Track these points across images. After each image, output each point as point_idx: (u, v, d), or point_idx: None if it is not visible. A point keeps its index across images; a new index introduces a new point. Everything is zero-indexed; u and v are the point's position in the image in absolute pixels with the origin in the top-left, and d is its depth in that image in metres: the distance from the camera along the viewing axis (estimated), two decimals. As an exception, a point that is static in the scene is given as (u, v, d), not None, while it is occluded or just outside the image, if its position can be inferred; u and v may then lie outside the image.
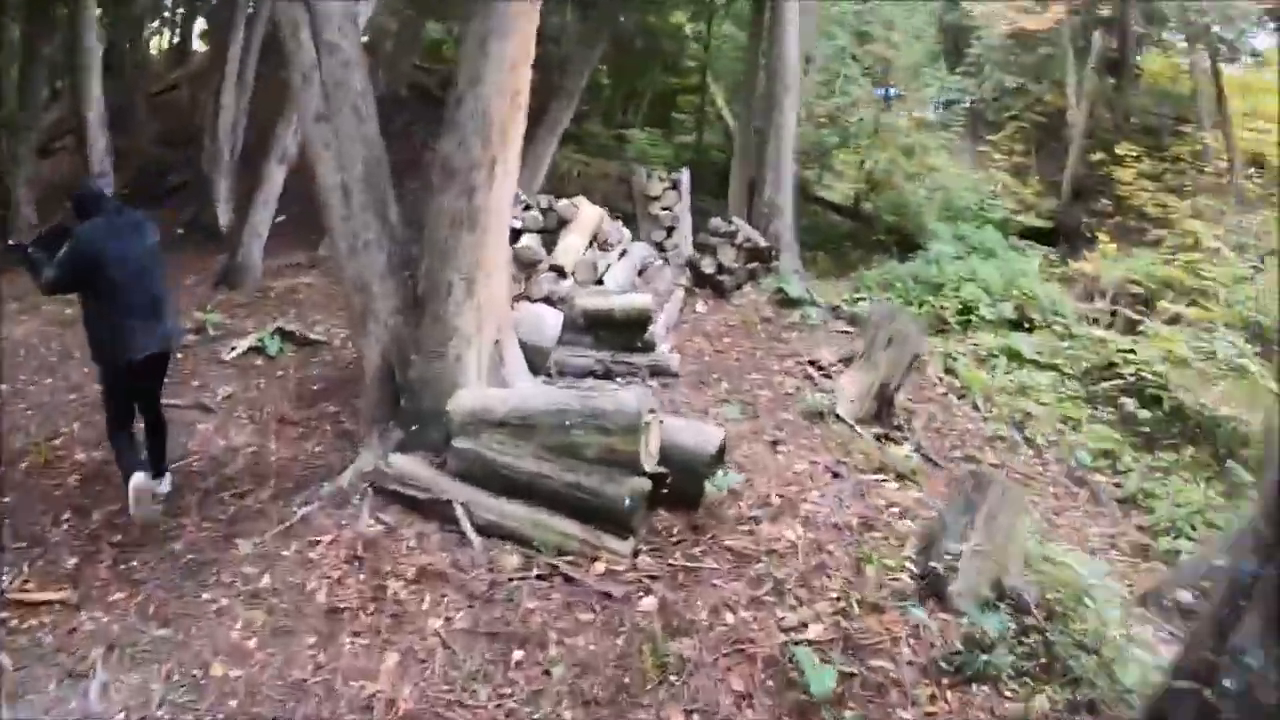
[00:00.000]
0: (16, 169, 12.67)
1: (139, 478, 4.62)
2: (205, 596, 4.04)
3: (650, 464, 4.27)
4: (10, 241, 5.43)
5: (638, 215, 10.54)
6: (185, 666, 3.51)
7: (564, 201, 7.95)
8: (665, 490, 4.36)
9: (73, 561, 4.43)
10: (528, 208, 7.86)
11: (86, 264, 4.36)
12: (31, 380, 7.22)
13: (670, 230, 10.37)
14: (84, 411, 6.36)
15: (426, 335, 4.78)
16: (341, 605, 3.93)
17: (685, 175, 10.75)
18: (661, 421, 4.43)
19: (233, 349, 7.54)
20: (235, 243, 10.29)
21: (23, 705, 3.29)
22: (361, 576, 4.14)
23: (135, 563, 4.41)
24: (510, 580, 4.07)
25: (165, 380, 5.14)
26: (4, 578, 4.22)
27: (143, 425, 4.97)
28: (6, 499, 5.14)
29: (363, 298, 4.85)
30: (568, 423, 4.30)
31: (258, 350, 7.54)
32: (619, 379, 6.63)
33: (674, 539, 4.34)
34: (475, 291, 4.70)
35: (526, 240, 7.43)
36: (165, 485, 4.99)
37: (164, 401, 5.24)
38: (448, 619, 3.83)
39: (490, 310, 4.83)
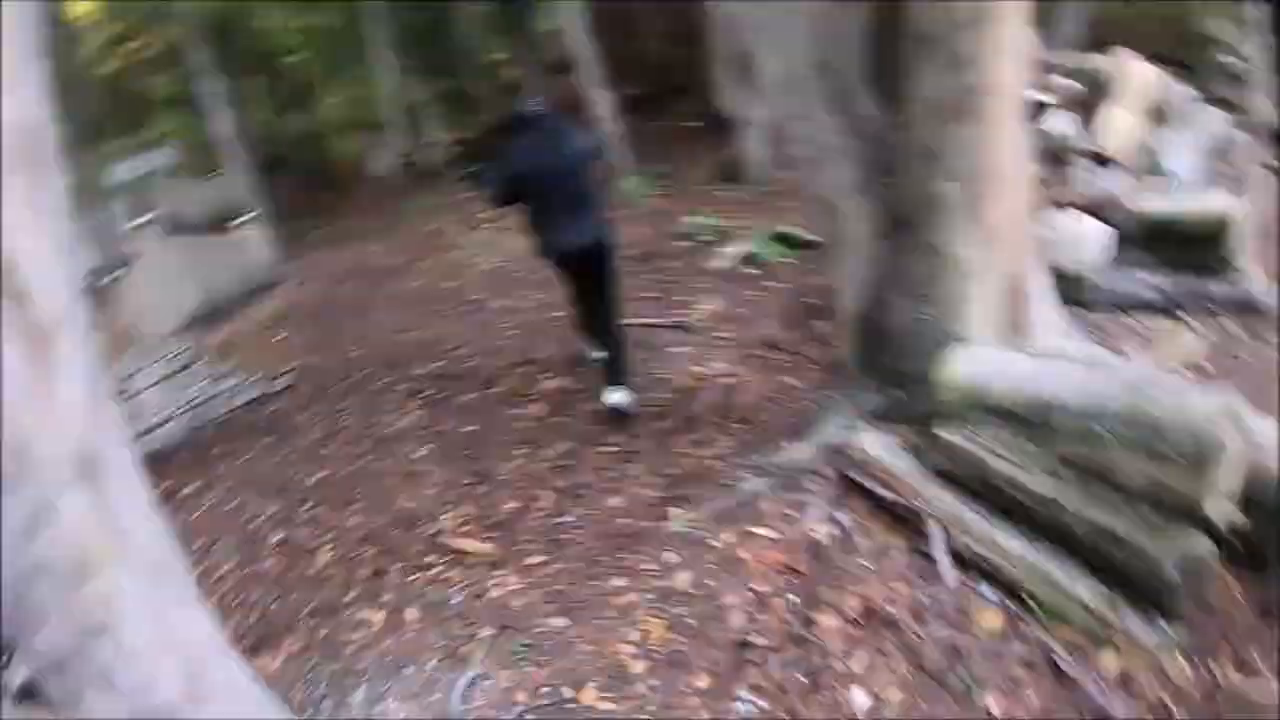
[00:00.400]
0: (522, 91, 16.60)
1: (596, 352, 6.71)
2: (614, 584, 4.65)
3: (1223, 511, 3.46)
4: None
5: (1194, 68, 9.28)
6: (559, 680, 4.12)
7: (1102, 58, 7.31)
8: (1241, 552, 3.53)
9: (509, 506, 5.53)
10: (1050, 70, 7.27)
11: (512, 181, 6.22)
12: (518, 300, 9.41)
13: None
14: (563, 334, 7.92)
15: (910, 269, 4.51)
16: (754, 639, 4.12)
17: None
18: (1249, 437, 3.50)
19: (721, 258, 8.59)
20: (736, 135, 11.86)
21: (398, 677, 4.31)
22: (792, 600, 4.26)
23: (569, 517, 5.29)
24: (978, 651, 3.77)
25: (620, 293, 6.67)
26: (444, 518, 5.49)
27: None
28: (473, 427, 6.64)
29: (830, 219, 4.74)
30: (1101, 429, 3.68)
31: (751, 258, 8.21)
32: (1185, 315, 5.87)
33: (1237, 634, 3.59)
34: (978, 206, 4.21)
35: (1052, 119, 6.91)
36: (621, 397, 6.38)
37: (644, 321, 7.38)
38: (876, 698, 3.74)
39: (1002, 231, 4.30)
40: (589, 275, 6.47)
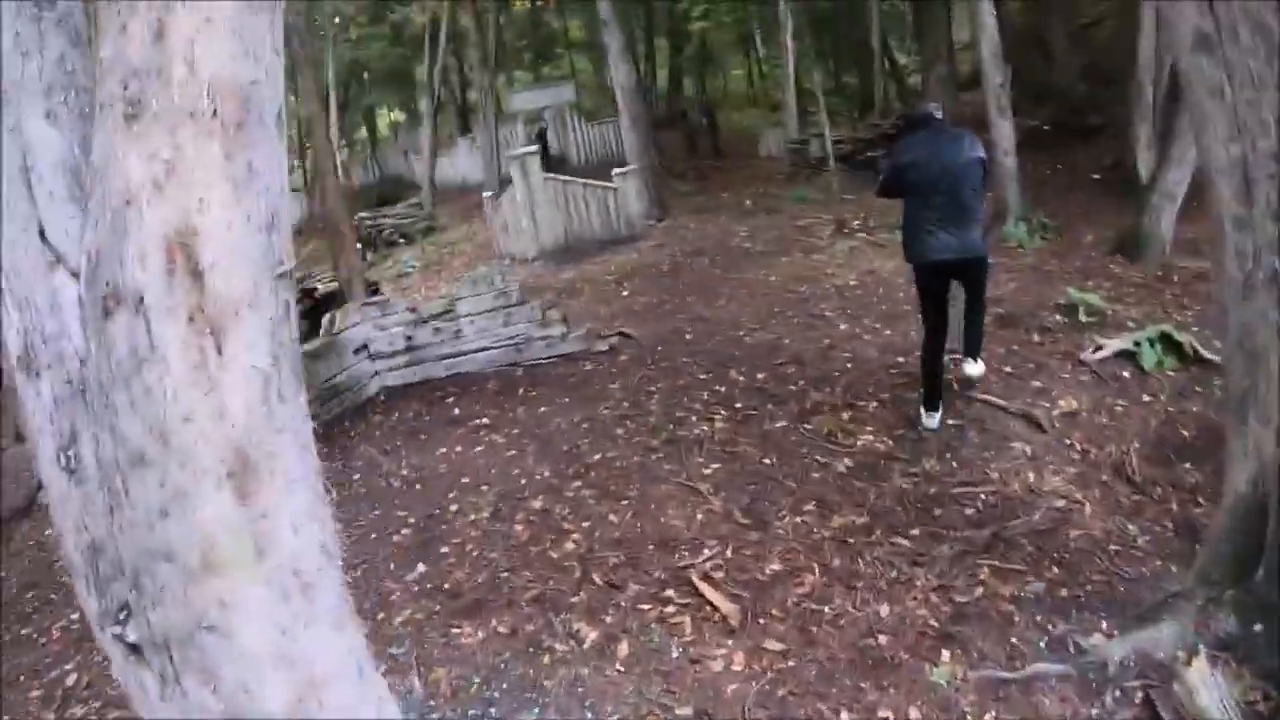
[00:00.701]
0: (927, 98, 16.21)
1: (929, 419, 6.56)
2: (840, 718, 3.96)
3: None
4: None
5: None
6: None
7: None
8: None
9: (772, 569, 5.02)
10: None
11: (899, 171, 6.36)
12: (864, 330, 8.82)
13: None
14: (898, 387, 7.31)
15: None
16: None
17: None
18: None
19: (1098, 348, 7.46)
20: (1141, 202, 10.60)
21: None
22: None
23: (828, 609, 4.65)
24: None
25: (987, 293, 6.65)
26: (702, 552, 5.01)
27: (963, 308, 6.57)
28: (770, 460, 6.13)
29: (1246, 369, 3.71)
30: None
31: (1129, 356, 7.18)
32: None
33: None
34: None
35: None
36: (975, 368, 6.67)
37: (990, 398, 6.78)
38: None
39: None
40: (965, 285, 6.45)
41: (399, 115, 41.83)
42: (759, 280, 11.61)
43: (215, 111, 1.63)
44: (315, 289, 15.68)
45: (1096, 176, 14.50)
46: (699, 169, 24.51)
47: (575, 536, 5.70)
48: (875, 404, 7.02)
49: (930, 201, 6.09)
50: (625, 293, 12.31)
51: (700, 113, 28.77)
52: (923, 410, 6.58)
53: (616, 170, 17.21)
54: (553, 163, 23.09)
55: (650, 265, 13.73)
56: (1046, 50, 19.26)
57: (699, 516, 5.72)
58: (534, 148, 18.07)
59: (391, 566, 5.78)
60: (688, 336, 9.35)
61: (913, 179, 6.18)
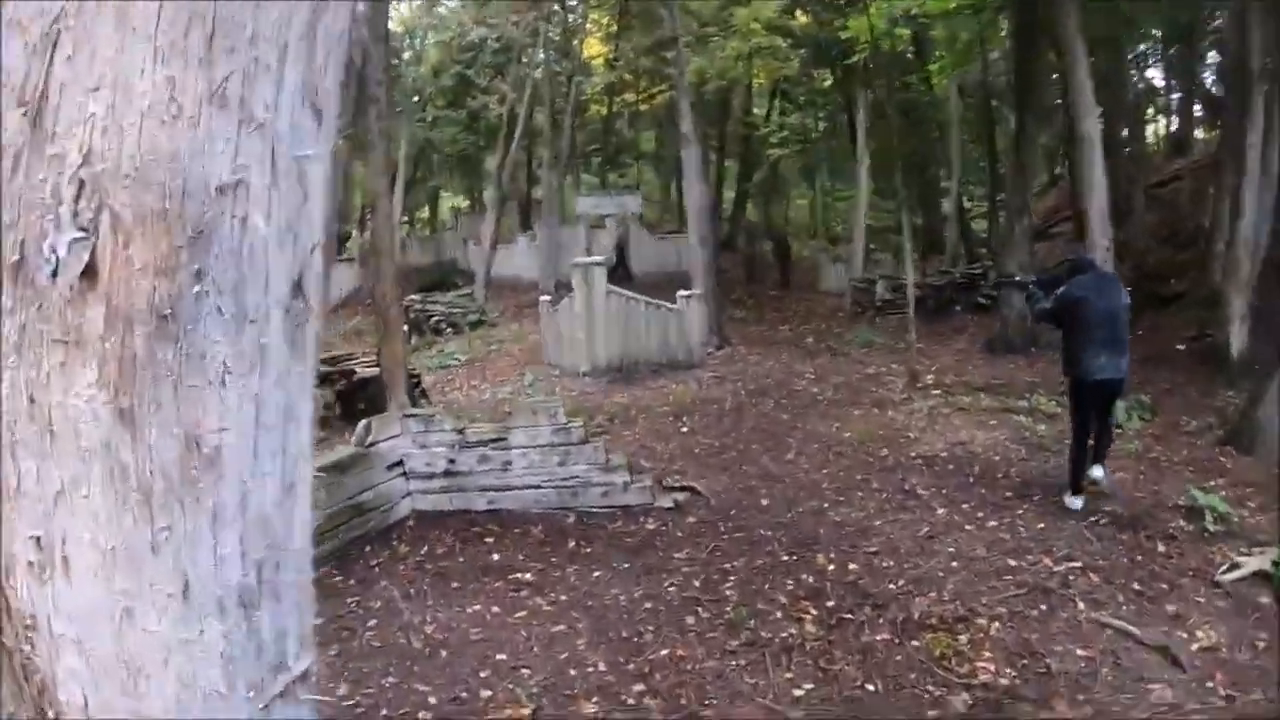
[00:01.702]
0: (1010, 248, 16.82)
1: (1074, 501, 7.79)
2: None
3: None
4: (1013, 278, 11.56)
5: None
6: None
7: None
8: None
9: None
10: None
11: (1070, 304, 7.63)
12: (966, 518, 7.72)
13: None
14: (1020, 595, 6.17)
15: None
16: None
17: None
18: None
19: (1233, 566, 6.41)
20: (1251, 388, 9.98)
21: None
22: None
23: None
24: None
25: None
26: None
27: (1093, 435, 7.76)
28: (869, 688, 4.95)
29: None
30: None
31: (1266, 577, 6.15)
32: None
33: None
34: None
35: None
36: (1100, 472, 7.76)
37: (1119, 623, 5.70)
38: None
39: None
40: (1107, 400, 7.82)
41: (462, 201, 41.62)
42: (831, 435, 10.50)
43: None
44: (354, 371, 14.78)
45: (1181, 348, 13.57)
46: (757, 297, 23.66)
47: None
48: (993, 621, 5.83)
49: (1094, 334, 7.44)
50: (684, 429, 11.22)
51: (769, 240, 28.06)
52: (1068, 496, 7.82)
53: (682, 293, 16.27)
54: (620, 277, 22.28)
55: (711, 400, 12.65)
56: (1120, 209, 18.37)
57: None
58: (601, 258, 17.19)
59: None
60: (763, 500, 8.23)
61: (1083, 314, 7.51)
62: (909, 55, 26.74)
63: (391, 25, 24.21)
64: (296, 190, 1.33)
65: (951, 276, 20.98)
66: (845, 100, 28.76)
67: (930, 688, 5.11)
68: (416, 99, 31.40)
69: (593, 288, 15.66)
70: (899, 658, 5.43)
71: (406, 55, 32.35)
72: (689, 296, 16.13)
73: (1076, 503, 7.68)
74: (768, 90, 32.41)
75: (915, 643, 5.58)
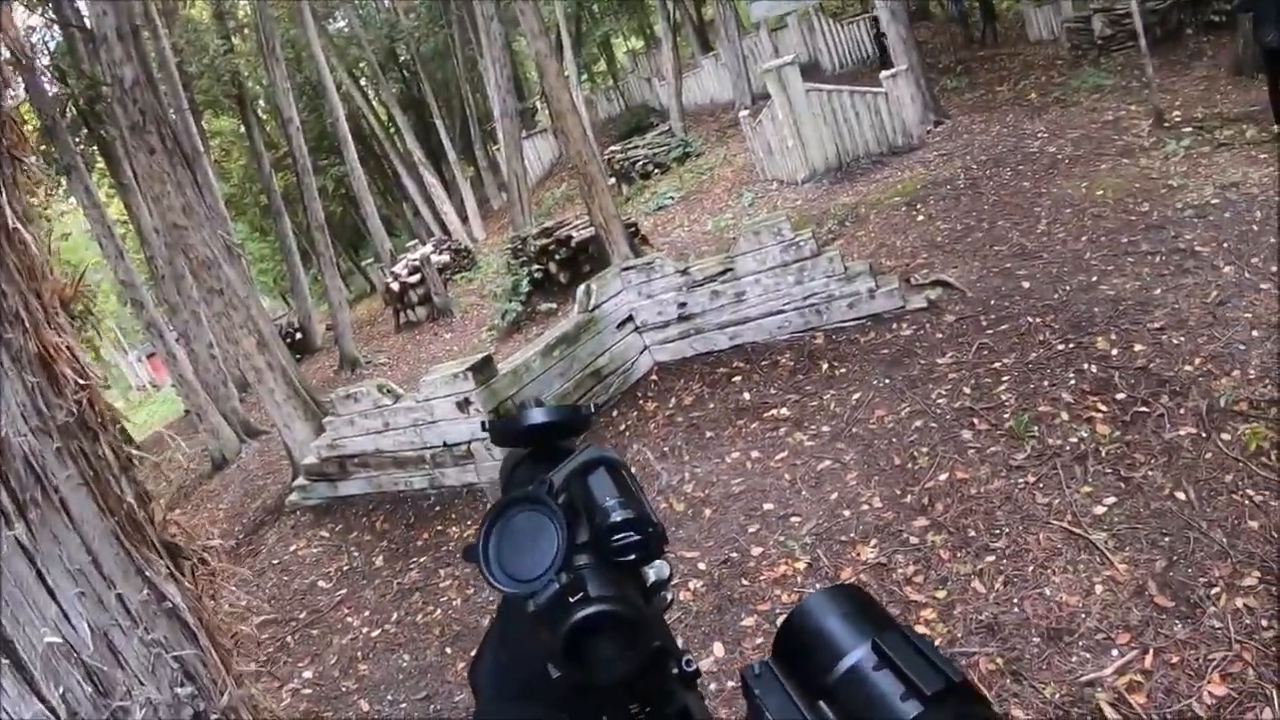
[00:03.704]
0: None
1: None
2: None
3: None
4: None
5: None
6: None
7: None
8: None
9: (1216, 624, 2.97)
10: None
11: None
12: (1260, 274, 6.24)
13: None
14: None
15: None
16: None
17: None
18: None
19: None
20: None
21: None
22: None
23: None
24: None
25: None
26: (1112, 653, 3.05)
27: None
28: (1184, 495, 4.10)
29: None
30: None
31: None
32: None
33: None
34: None
35: None
36: None
37: None
38: None
39: None
40: None
41: (636, 43, 40.18)
42: (1082, 196, 9.07)
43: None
44: (571, 236, 14.47)
45: None
46: (964, 62, 21.32)
47: (926, 613, 3.99)
48: None
49: None
50: (920, 217, 10.09)
51: None
52: None
53: (884, 72, 14.70)
54: (812, 69, 20.53)
55: (942, 181, 11.33)
56: None
57: (1098, 589, 3.85)
58: (790, 57, 15.74)
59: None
60: (1024, 283, 7.08)
61: None
62: None
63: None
64: None
65: (1173, -3, 17.99)
66: None
67: (1251, 494, 4.14)
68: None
69: (790, 89, 14.38)
70: (1209, 456, 4.46)
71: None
72: (893, 75, 14.56)
73: None
74: None
75: (1225, 436, 4.56)
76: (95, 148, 21.27)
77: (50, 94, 18.50)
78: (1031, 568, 4.04)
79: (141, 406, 46.80)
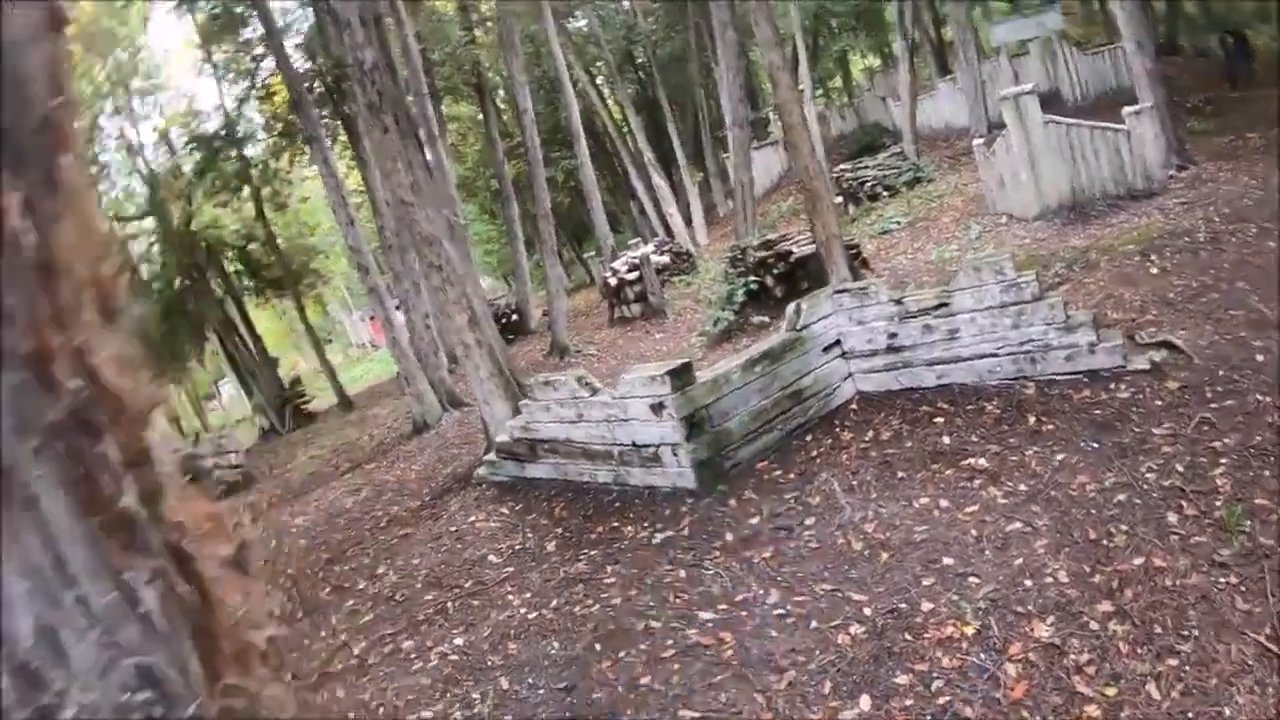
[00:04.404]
0: None
1: None
2: None
3: None
4: None
5: None
6: None
7: None
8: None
9: None
10: None
11: None
12: None
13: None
14: None
15: None
16: None
17: None
18: None
19: None
20: None
21: None
22: None
23: None
24: None
25: None
26: None
27: None
28: None
29: None
30: None
31: None
32: None
33: None
34: None
35: None
36: None
37: None
38: None
39: None
40: None
41: (874, 60, 39.56)
42: (1338, 264, 8.35)
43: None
44: (790, 252, 14.49)
45: None
46: (1214, 102, 19.83)
47: (1090, 709, 3.72)
48: None
49: None
50: (1154, 270, 9.51)
51: (1223, 33, 23.51)
52: None
53: (1127, 109, 13.90)
54: (1050, 99, 19.66)
55: (1181, 232, 10.62)
56: None
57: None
58: (1030, 86, 15.14)
59: (826, 688, 4.21)
60: (1258, 356, 6.51)
61: None
62: None
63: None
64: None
65: None
66: None
67: None
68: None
69: (1027, 119, 13.85)
70: None
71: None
72: (1137, 112, 13.78)
73: None
74: None
75: None
76: (340, 122, 22.97)
77: (300, 70, 20.01)
78: (1215, 680, 3.70)
79: (358, 363, 50.12)
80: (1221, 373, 6.34)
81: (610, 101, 33.47)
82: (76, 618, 1.02)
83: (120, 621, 0.97)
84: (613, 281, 20.00)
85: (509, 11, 20.77)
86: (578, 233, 38.66)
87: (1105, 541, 4.81)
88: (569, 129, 24.46)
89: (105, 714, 0.94)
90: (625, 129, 31.52)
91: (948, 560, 5.03)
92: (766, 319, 13.91)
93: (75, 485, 0.96)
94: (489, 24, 27.51)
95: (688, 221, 28.88)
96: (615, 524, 7.13)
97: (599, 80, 33.50)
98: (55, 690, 0.97)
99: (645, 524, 6.90)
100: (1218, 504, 4.87)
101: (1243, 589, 4.21)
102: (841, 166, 23.85)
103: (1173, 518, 4.87)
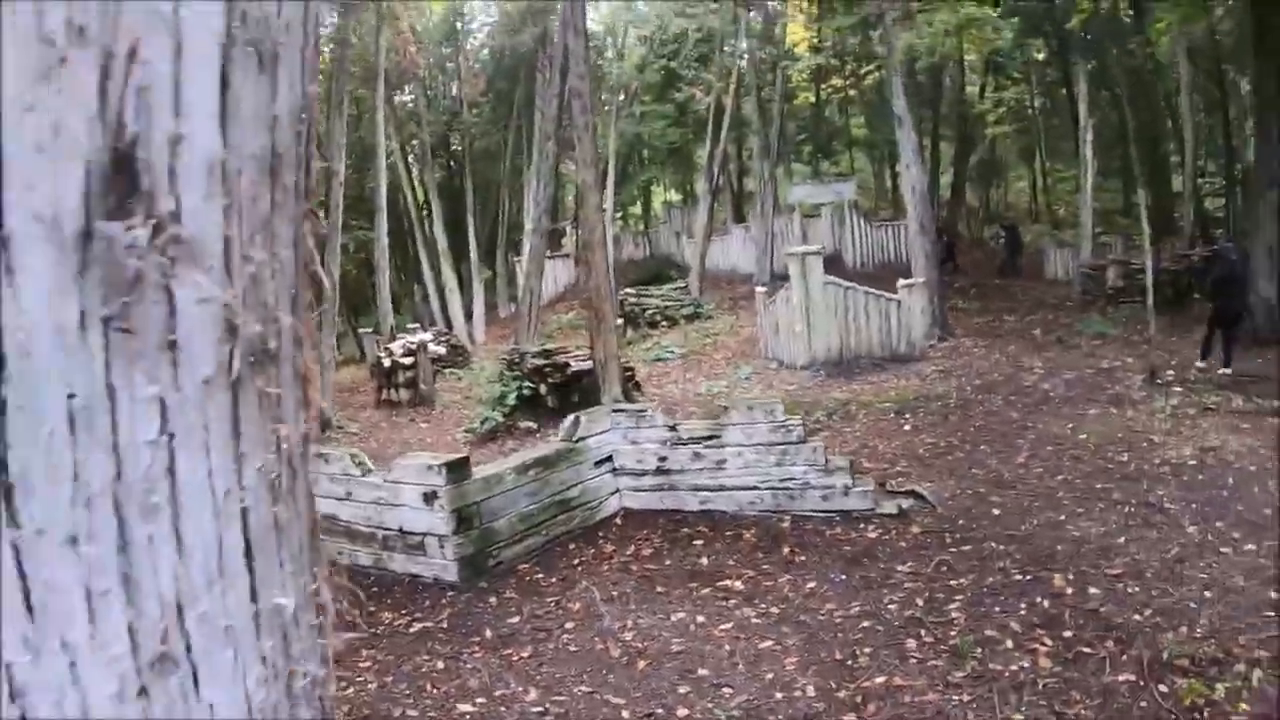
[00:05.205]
0: (1258, 224, 15.46)
1: None
2: None
3: None
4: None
5: None
6: None
7: None
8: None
9: None
10: None
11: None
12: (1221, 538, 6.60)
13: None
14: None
15: None
16: None
17: None
18: None
19: None
20: None
21: None
22: None
23: None
24: None
25: None
26: None
27: None
28: None
29: None
30: None
31: None
32: None
33: None
34: None
35: None
36: None
37: None
38: None
39: None
40: None
41: (674, 195, 41.51)
42: (1065, 436, 9.42)
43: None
44: (569, 364, 14.69)
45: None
46: (980, 286, 22.11)
47: None
48: (1253, 668, 4.80)
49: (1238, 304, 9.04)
50: (907, 427, 10.39)
51: (999, 226, 26.37)
52: None
53: (902, 282, 15.29)
54: (834, 262, 21.37)
55: (935, 397, 11.70)
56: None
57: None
58: (817, 247, 16.36)
59: None
60: (994, 510, 7.35)
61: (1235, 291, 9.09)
62: (1126, 18, 24.38)
63: (591, 25, 24.14)
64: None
65: (1189, 260, 18.84)
66: (1063, 73, 27.07)
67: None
68: (623, 96, 31.35)
69: (809, 277, 14.91)
70: (1144, 704, 4.55)
71: (609, 54, 32.48)
72: (910, 285, 15.15)
73: None
74: (980, 66, 30.74)
75: (1163, 688, 4.66)
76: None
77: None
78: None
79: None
80: (961, 522, 7.01)
81: (417, 181, 33.38)
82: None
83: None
84: (386, 363, 19.53)
85: (344, 70, 20.50)
86: (357, 305, 37.72)
87: (850, 661, 5.17)
88: (374, 200, 24.18)
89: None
90: (426, 212, 31.41)
91: (703, 671, 5.21)
92: (534, 425, 13.96)
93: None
94: (321, 77, 27.09)
95: (468, 317, 28.82)
96: (373, 609, 6.91)
97: (410, 159, 33.44)
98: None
99: (404, 611, 6.74)
100: (953, 633, 5.38)
101: (974, 706, 4.65)
102: (627, 290, 24.55)
103: (912, 643, 5.31)
